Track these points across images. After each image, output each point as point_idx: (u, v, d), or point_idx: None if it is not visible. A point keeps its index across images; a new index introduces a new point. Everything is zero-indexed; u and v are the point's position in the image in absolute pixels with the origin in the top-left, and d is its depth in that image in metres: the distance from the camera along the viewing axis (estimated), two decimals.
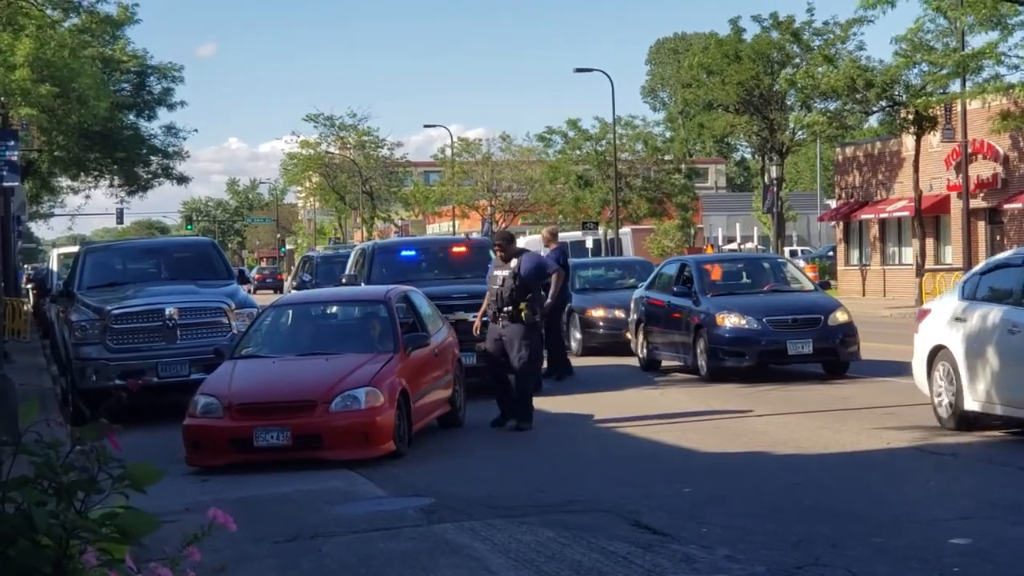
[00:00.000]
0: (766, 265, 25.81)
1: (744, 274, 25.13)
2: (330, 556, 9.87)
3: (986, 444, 14.35)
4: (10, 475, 3.40)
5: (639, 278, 30.11)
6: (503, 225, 79.77)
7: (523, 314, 16.83)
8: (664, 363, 24.20)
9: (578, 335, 28.23)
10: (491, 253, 19.38)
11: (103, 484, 3.45)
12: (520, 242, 33.37)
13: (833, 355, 21.97)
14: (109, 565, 3.36)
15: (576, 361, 24.77)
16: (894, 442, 14.61)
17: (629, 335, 25.28)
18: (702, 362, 22.09)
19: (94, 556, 3.36)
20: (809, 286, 24.20)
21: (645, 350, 24.30)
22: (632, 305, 25.20)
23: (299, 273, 38.15)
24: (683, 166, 76.22)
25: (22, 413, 3.70)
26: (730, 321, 21.84)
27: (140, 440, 15.66)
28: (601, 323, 28.14)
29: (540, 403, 19.44)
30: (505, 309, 16.91)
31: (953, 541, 9.53)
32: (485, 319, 17.39)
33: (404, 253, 23.92)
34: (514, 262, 17.08)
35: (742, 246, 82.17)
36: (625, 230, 65.51)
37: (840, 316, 22.12)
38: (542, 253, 21.08)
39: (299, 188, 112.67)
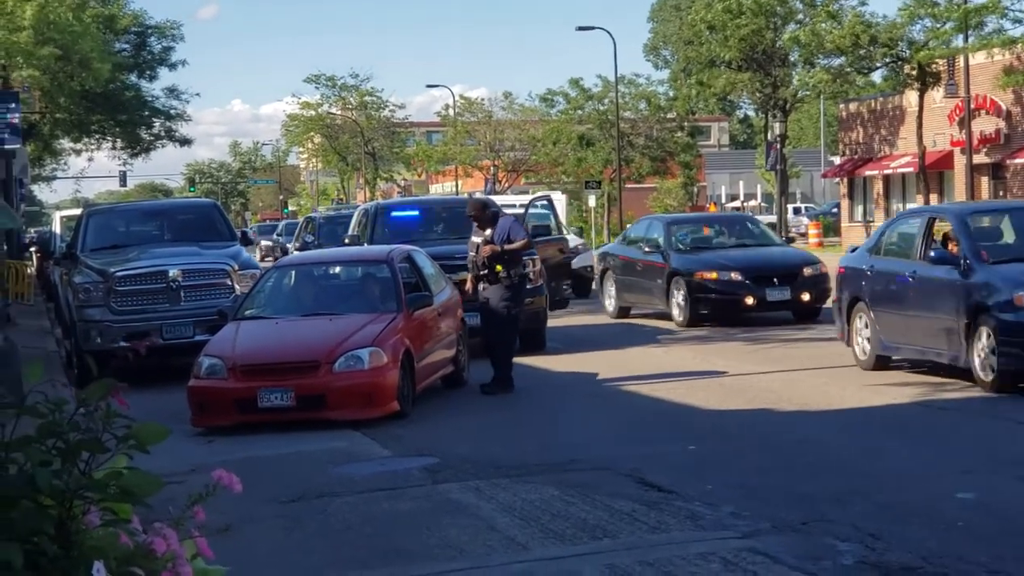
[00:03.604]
0: None
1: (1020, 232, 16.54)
2: (335, 516, 9.91)
3: (988, 399, 14.35)
4: (14, 436, 3.40)
5: (741, 236, 26.97)
6: (506, 185, 79.75)
7: (499, 275, 16.86)
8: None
9: (681, 302, 24.60)
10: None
11: (108, 444, 3.44)
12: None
13: None
14: (114, 525, 3.36)
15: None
16: (897, 398, 14.62)
17: (835, 317, 18.45)
18: (984, 362, 14.76)
19: (98, 516, 3.36)
20: None
21: (868, 340, 17.14)
22: (840, 278, 18.26)
23: (302, 234, 38.18)
24: (686, 124, 76.12)
25: (26, 374, 3.69)
26: None
27: (145, 402, 15.65)
28: (714, 287, 24.40)
29: (544, 362, 19.50)
30: (482, 273, 16.97)
31: (958, 495, 9.55)
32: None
33: (407, 213, 23.89)
34: (489, 230, 17.12)
35: (745, 204, 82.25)
36: (558, 196, 60.48)
37: None
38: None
39: (301, 149, 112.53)
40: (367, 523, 9.63)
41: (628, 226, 36.35)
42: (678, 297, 24.76)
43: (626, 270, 26.87)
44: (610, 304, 27.30)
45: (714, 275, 24.46)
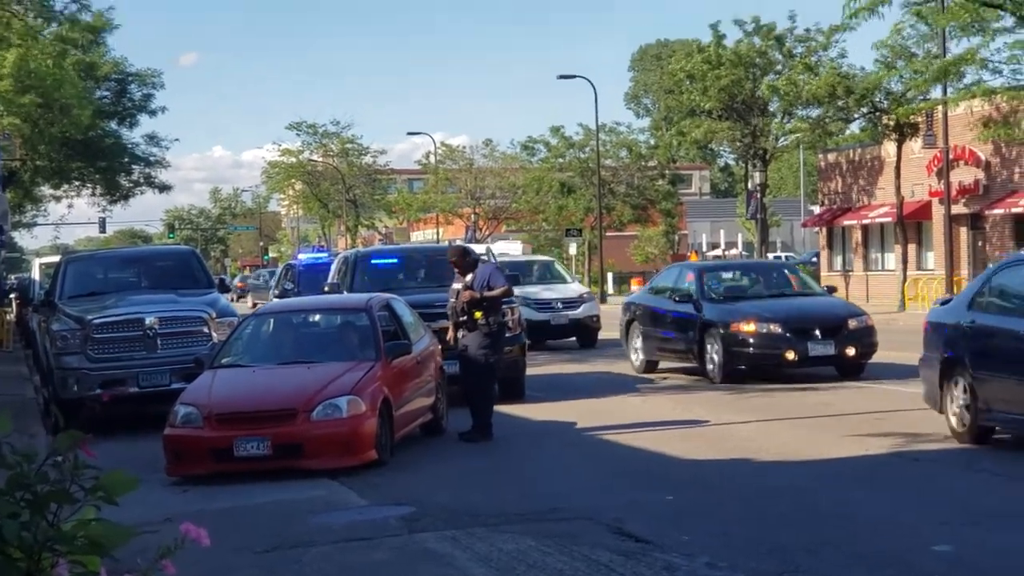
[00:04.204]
0: None
1: None
2: (311, 566, 9.85)
3: (963, 451, 14.36)
4: None
5: (778, 285, 25.24)
6: (487, 233, 79.85)
7: (478, 322, 16.90)
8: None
9: (717, 357, 22.77)
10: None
11: (77, 495, 3.43)
12: (499, 247, 31.96)
13: None
14: None
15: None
16: (873, 448, 14.63)
17: (924, 390, 15.84)
18: None
19: (66, 568, 3.34)
20: None
21: (968, 408, 14.65)
22: (930, 336, 15.80)
23: (281, 281, 38.10)
24: (667, 172, 76.45)
25: None
26: None
27: (121, 450, 15.61)
28: (752, 340, 22.46)
29: (523, 411, 19.47)
30: (461, 319, 17.00)
31: (934, 548, 9.55)
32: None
33: (387, 261, 23.91)
34: (469, 276, 17.18)
35: (726, 252, 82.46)
36: (516, 244, 57.41)
37: None
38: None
39: (282, 196, 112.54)
40: (342, 572, 9.59)
41: (609, 271, 36.33)
42: (712, 351, 22.93)
43: (653, 322, 25.04)
44: (636, 359, 25.61)
45: (752, 327, 22.51)
